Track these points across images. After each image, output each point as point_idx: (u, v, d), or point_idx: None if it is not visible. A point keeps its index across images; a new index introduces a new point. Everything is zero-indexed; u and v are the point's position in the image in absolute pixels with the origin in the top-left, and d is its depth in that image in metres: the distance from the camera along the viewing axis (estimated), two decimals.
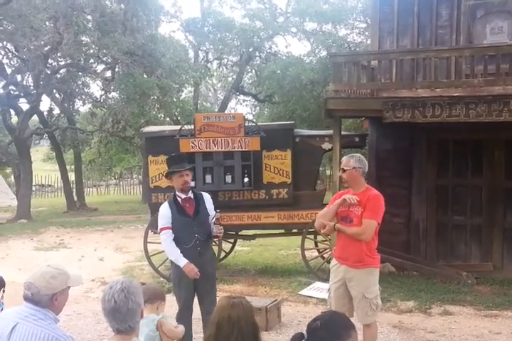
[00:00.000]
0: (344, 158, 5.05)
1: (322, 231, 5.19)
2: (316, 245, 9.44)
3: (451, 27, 9.04)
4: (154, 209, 8.79)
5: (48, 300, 2.86)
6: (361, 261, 4.83)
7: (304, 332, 2.42)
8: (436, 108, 7.20)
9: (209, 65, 26.99)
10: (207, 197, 5.29)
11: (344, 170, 4.95)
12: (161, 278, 8.67)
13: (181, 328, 4.22)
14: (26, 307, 2.86)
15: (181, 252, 5.07)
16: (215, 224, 5.09)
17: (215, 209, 5.27)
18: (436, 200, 8.92)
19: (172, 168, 5.21)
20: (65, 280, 2.94)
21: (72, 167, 25.61)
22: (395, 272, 8.61)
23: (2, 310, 4.34)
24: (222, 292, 7.69)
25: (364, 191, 4.92)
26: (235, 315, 2.69)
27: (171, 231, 5.09)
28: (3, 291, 4.91)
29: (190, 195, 5.18)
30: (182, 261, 5.01)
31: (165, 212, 5.13)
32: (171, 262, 5.27)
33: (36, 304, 2.85)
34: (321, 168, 16.98)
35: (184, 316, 5.11)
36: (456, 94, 7.50)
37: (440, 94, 7.62)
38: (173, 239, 5.09)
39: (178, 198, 5.15)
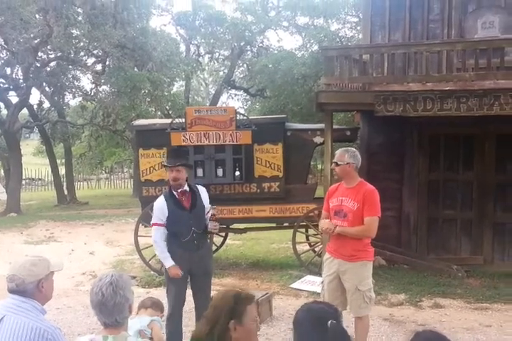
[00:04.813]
0: (338, 152, 5.02)
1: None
2: (308, 239, 9.45)
3: (443, 21, 9.05)
4: (145, 203, 8.76)
5: (33, 288, 2.85)
6: (355, 254, 4.84)
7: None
8: (428, 102, 7.20)
9: (200, 58, 26.89)
10: (202, 190, 5.26)
11: (337, 165, 4.94)
12: (152, 272, 8.65)
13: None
14: (13, 299, 2.85)
15: (179, 246, 5.04)
16: (210, 220, 5.09)
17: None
18: (427, 194, 8.94)
19: (165, 161, 5.19)
20: (47, 266, 2.94)
21: (63, 161, 25.45)
22: (385, 265, 8.63)
23: None
24: (214, 285, 7.61)
25: (357, 185, 4.92)
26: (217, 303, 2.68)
27: (162, 228, 5.05)
28: None
29: (186, 188, 5.13)
30: (168, 263, 5.00)
31: (160, 205, 5.06)
32: None
33: (23, 294, 2.84)
34: (312, 162, 16.98)
35: (176, 310, 5.08)
36: (448, 88, 7.50)
37: (431, 87, 7.61)
38: (171, 233, 5.05)
39: (175, 192, 5.09)
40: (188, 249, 5.02)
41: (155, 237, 5.09)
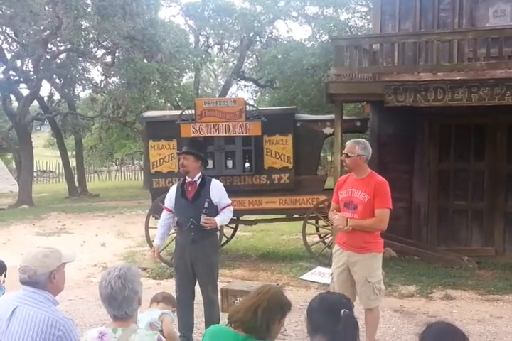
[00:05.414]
0: (349, 143, 4.96)
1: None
2: (318, 230, 9.44)
3: (454, 10, 8.95)
4: (155, 195, 8.79)
5: (46, 279, 2.86)
6: (365, 246, 4.81)
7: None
8: (439, 92, 7.13)
9: (209, 49, 26.83)
10: (216, 185, 5.20)
11: (348, 156, 4.89)
12: (163, 263, 8.68)
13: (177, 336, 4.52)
14: (25, 290, 2.87)
15: (180, 235, 5.25)
16: (203, 213, 5.01)
17: None
18: (437, 185, 8.90)
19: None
20: (59, 257, 2.95)
21: (74, 153, 25.58)
22: (396, 257, 8.62)
23: (4, 294, 4.35)
24: (224, 277, 7.72)
25: (368, 177, 4.87)
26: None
27: (167, 212, 5.33)
28: (5, 276, 4.93)
29: (197, 179, 5.15)
30: (154, 243, 5.46)
31: (170, 192, 5.32)
32: (175, 248, 5.31)
33: (35, 286, 2.85)
34: (322, 153, 16.92)
35: (182, 300, 5.13)
36: (459, 78, 7.44)
37: (442, 77, 7.56)
38: (176, 221, 5.28)
39: (186, 180, 5.21)
40: (185, 240, 5.11)
41: (160, 220, 5.48)
